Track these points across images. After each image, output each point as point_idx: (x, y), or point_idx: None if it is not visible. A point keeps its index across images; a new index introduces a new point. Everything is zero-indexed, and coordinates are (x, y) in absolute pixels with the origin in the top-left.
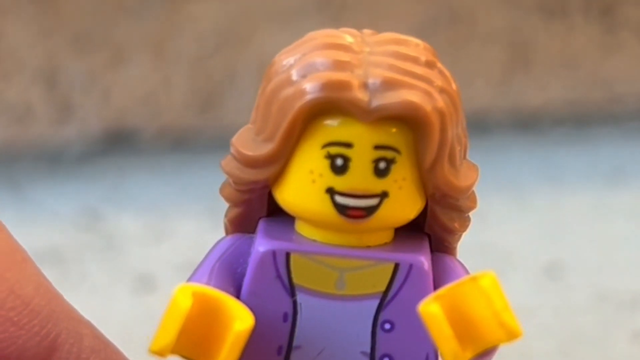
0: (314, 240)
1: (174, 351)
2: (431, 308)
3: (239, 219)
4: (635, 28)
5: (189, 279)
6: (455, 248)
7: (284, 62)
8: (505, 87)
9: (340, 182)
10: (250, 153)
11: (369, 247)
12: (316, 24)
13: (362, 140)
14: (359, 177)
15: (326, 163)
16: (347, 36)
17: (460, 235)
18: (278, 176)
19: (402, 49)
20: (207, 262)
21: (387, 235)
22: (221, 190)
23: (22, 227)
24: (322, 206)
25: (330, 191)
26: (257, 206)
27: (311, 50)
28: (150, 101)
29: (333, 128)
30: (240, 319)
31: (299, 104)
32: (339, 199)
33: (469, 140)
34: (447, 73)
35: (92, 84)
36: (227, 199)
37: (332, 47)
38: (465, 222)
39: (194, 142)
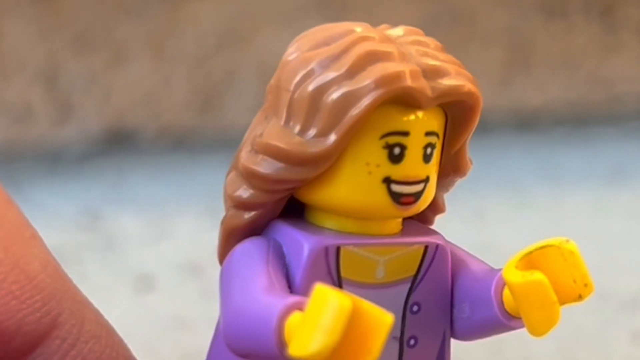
0: (346, 232)
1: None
2: (535, 276)
3: (251, 225)
4: (635, 28)
5: (247, 290)
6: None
7: (321, 59)
8: (505, 87)
9: (396, 171)
10: (304, 150)
11: (391, 234)
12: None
13: (417, 128)
14: (412, 164)
15: (384, 153)
16: (363, 27)
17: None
18: (324, 173)
19: (421, 39)
20: (253, 267)
21: (400, 224)
22: (232, 192)
23: None
24: (378, 196)
25: (387, 180)
26: (272, 209)
27: (353, 45)
28: (150, 101)
29: (392, 118)
30: (384, 314)
31: (369, 97)
32: (395, 188)
33: None
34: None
35: (92, 84)
36: (242, 202)
37: (369, 40)
38: (443, 206)
39: (194, 142)
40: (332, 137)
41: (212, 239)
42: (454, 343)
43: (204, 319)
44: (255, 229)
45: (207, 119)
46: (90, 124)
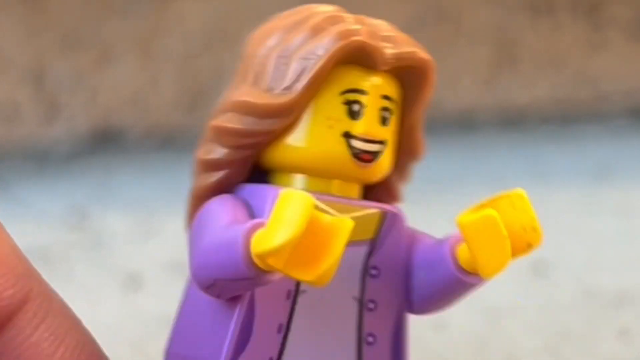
0: (312, 190)
1: (281, 258)
2: (485, 211)
3: (218, 185)
4: (621, 26)
5: (214, 229)
6: None
7: (284, 29)
8: (491, 85)
9: (355, 127)
10: (270, 102)
11: (350, 197)
12: None
13: (374, 89)
14: (371, 123)
15: (344, 109)
16: (327, 6)
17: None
18: (286, 128)
19: (384, 22)
20: (222, 212)
21: (358, 191)
22: (201, 153)
23: (9, 225)
24: (337, 149)
25: (347, 135)
26: (238, 170)
27: (312, 15)
28: (137, 100)
29: (351, 76)
30: (347, 220)
31: (329, 50)
32: (355, 142)
33: None
34: None
35: (80, 83)
36: (210, 162)
37: (330, 11)
38: (402, 193)
39: (182, 140)
40: (296, 89)
41: None
42: (439, 341)
43: None
44: (222, 191)
45: (194, 117)
46: (77, 123)
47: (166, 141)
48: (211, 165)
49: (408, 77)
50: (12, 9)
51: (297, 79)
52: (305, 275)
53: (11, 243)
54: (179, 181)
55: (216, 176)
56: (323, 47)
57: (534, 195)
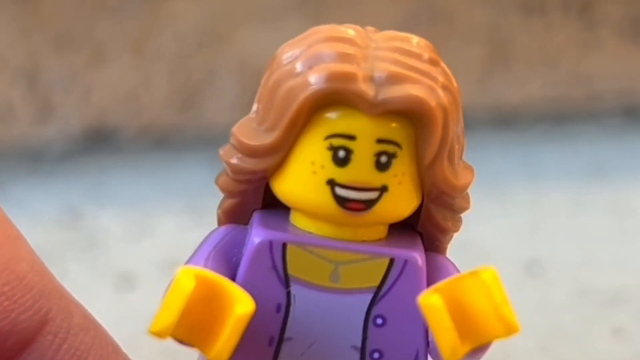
0: (310, 233)
1: (173, 334)
2: (432, 299)
3: (234, 210)
4: (614, 25)
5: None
6: (446, 248)
7: (288, 54)
8: (484, 84)
9: (341, 174)
10: (251, 142)
11: (364, 241)
12: (296, 22)
13: (365, 133)
14: (360, 169)
15: (328, 155)
16: (350, 30)
17: (452, 235)
18: (278, 167)
19: (406, 45)
20: (202, 249)
21: (382, 231)
22: (217, 180)
23: None
24: (322, 198)
25: (331, 183)
26: (252, 197)
27: (316, 43)
28: (130, 100)
29: (336, 120)
30: (242, 303)
31: (304, 94)
32: (340, 191)
33: (465, 141)
34: (449, 71)
35: (73, 83)
36: (223, 189)
37: (337, 40)
38: (457, 222)
39: (175, 140)
40: (276, 132)
41: (193, 237)
42: None
43: None
44: (239, 215)
45: (187, 117)
46: (71, 122)
47: (159, 141)
48: (225, 192)
49: (412, 117)
50: (5, 8)
51: (279, 118)
52: (206, 351)
53: (29, 258)
54: (172, 181)
55: (231, 203)
56: (302, 88)
57: (527, 195)
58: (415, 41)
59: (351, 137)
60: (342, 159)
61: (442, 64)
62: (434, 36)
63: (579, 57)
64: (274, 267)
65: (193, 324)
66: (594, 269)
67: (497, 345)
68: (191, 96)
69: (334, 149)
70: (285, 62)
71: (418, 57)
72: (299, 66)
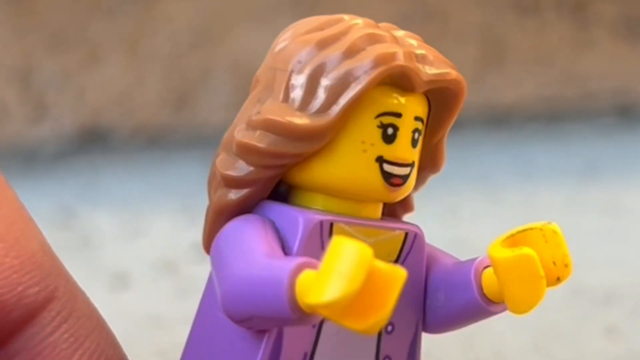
0: (336, 212)
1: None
2: (524, 250)
3: (240, 203)
4: (608, 24)
5: (252, 255)
6: None
7: (320, 41)
8: (478, 83)
9: (388, 151)
10: (303, 124)
11: (375, 219)
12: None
13: (408, 111)
14: (403, 146)
15: (378, 132)
16: (354, 17)
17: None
18: (318, 150)
19: (406, 32)
20: (256, 241)
21: (379, 210)
22: (225, 169)
23: None
24: (370, 175)
25: (380, 160)
26: (262, 189)
27: (350, 29)
28: (124, 100)
29: (387, 99)
30: (400, 269)
31: (369, 74)
32: (387, 167)
33: None
34: None
35: (67, 83)
36: (234, 179)
37: (363, 25)
38: (413, 203)
39: (169, 140)
40: (332, 113)
41: (187, 236)
42: (427, 338)
43: (179, 317)
44: (244, 209)
45: (181, 117)
46: (64, 122)
47: (153, 140)
48: (233, 182)
49: (439, 96)
50: None
51: (333, 101)
52: (357, 325)
53: (40, 239)
54: (166, 180)
55: (239, 194)
56: (362, 70)
57: (520, 194)
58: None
59: (398, 115)
60: (390, 136)
61: None
62: (428, 35)
63: (573, 57)
64: (323, 247)
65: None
66: (587, 268)
67: (490, 343)
68: (185, 96)
69: (384, 127)
70: (320, 48)
71: (421, 41)
72: (345, 51)
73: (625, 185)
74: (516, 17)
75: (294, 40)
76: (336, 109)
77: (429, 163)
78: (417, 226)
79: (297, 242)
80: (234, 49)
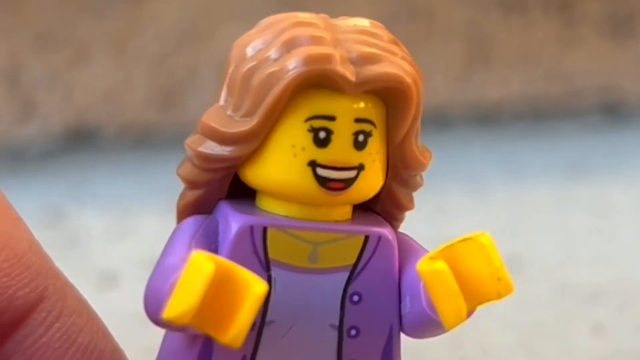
0: (285, 216)
1: (191, 320)
2: (437, 265)
3: (198, 202)
4: (594, 23)
5: (162, 262)
6: (400, 226)
7: (257, 42)
8: (464, 82)
9: (322, 155)
10: (229, 130)
11: (336, 221)
12: None
13: (344, 113)
14: (340, 149)
15: (309, 136)
16: (311, 16)
17: (405, 215)
18: (253, 153)
19: (366, 27)
20: (178, 242)
21: (349, 211)
22: (180, 172)
23: None
24: (303, 179)
25: (312, 164)
26: (217, 188)
27: (287, 28)
28: (112, 99)
29: (316, 102)
30: (257, 283)
31: (286, 78)
32: (321, 172)
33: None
34: (407, 50)
35: (54, 82)
36: (187, 180)
37: (306, 25)
38: (413, 200)
39: (156, 138)
40: (256, 117)
41: None
42: (413, 345)
43: None
44: (202, 207)
45: (168, 115)
46: (52, 122)
47: (141, 139)
48: (189, 183)
49: (390, 95)
50: None
51: (258, 105)
52: (219, 336)
53: (29, 238)
54: (153, 179)
55: (195, 194)
56: (284, 73)
57: (507, 192)
58: (369, 23)
59: (331, 118)
60: (322, 140)
61: (400, 43)
62: (414, 34)
63: (559, 55)
64: (255, 251)
65: (206, 309)
66: (574, 266)
67: (476, 341)
68: (172, 95)
69: (315, 131)
70: (256, 49)
71: (381, 37)
72: (274, 52)
73: (611, 183)
74: (502, 16)
75: (239, 41)
76: (259, 114)
77: (400, 163)
78: (387, 229)
79: (226, 247)
80: (220, 48)
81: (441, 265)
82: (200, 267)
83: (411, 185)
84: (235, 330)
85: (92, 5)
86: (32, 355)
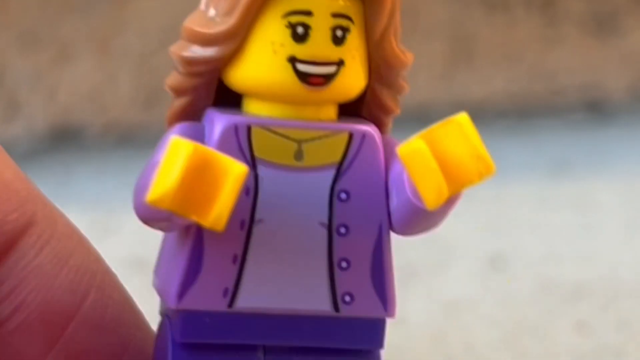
0: (270, 116)
1: (171, 204)
2: (414, 145)
3: (185, 110)
4: (576, 20)
5: (149, 160)
6: (388, 132)
7: None
8: (447, 80)
9: (301, 50)
10: (209, 31)
11: (321, 120)
12: None
13: (321, 8)
14: (319, 44)
15: (287, 32)
16: None
17: (393, 118)
18: (234, 53)
19: None
20: (165, 143)
21: (334, 112)
22: (168, 80)
23: None
24: (284, 76)
25: (292, 60)
26: (204, 94)
27: None
28: (95, 98)
29: None
30: (236, 165)
31: None
32: (301, 67)
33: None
34: None
35: (38, 81)
36: (174, 88)
37: None
38: (398, 103)
39: (140, 137)
40: (234, 16)
41: (158, 234)
42: (396, 331)
43: (149, 314)
44: (190, 115)
45: (152, 114)
46: (36, 121)
47: (124, 138)
48: (175, 91)
49: None
50: None
51: (236, 2)
52: (201, 219)
53: (13, 167)
54: (137, 178)
55: (181, 101)
56: None
57: (491, 189)
58: None
59: (308, 13)
60: (301, 35)
61: None
62: None
63: (542, 53)
64: (241, 149)
65: (187, 195)
66: (558, 264)
67: (460, 338)
68: (156, 93)
69: (293, 26)
70: None
71: None
72: None
73: (595, 181)
74: (485, 14)
75: None
76: (237, 12)
77: (381, 61)
78: (371, 127)
79: (212, 147)
80: None
81: (419, 143)
82: (179, 148)
83: (395, 86)
84: (217, 210)
85: (76, 4)
86: (25, 278)
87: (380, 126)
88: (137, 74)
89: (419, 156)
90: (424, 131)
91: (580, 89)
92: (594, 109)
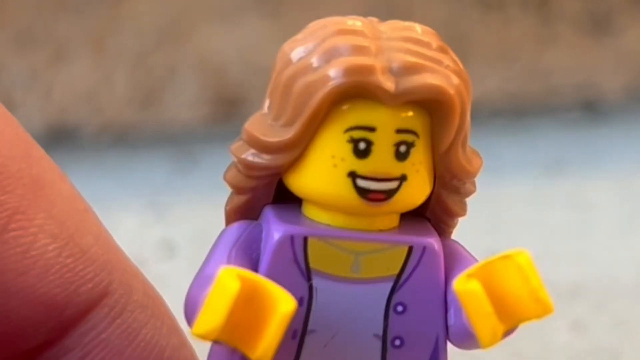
0: (327, 224)
1: (215, 338)
2: (470, 285)
3: (244, 207)
4: (571, 20)
5: (202, 270)
6: (452, 233)
7: (300, 49)
8: None
9: (362, 166)
10: (269, 139)
11: (380, 230)
12: (255, 21)
13: (385, 124)
14: (381, 160)
15: (349, 147)
16: (357, 22)
17: (458, 220)
18: (295, 162)
19: (414, 34)
20: (220, 248)
21: (395, 219)
22: (225, 176)
23: None
24: (343, 190)
25: (352, 175)
26: (263, 193)
27: (329, 36)
28: (91, 98)
29: (356, 112)
30: (285, 301)
31: (325, 89)
32: (361, 183)
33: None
34: (457, 57)
35: (34, 81)
36: (233, 185)
37: (349, 33)
38: (465, 206)
39: (135, 137)
40: (295, 127)
41: (155, 233)
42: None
43: None
44: (248, 212)
45: (148, 114)
46: (32, 121)
47: (120, 138)
48: (234, 188)
49: (433, 106)
50: None
51: (298, 114)
52: (249, 352)
53: (95, 230)
54: (133, 178)
55: (241, 199)
56: (323, 82)
57: (486, 188)
58: (420, 29)
59: (371, 129)
60: (362, 150)
61: (450, 50)
62: None
63: (537, 52)
64: (296, 260)
65: (235, 325)
66: (553, 263)
67: None
68: (152, 93)
69: (355, 142)
70: (298, 57)
71: (428, 45)
72: (315, 61)
73: (590, 180)
74: (480, 13)
75: (285, 45)
76: (298, 123)
77: (446, 172)
78: (433, 238)
79: (266, 256)
80: (200, 47)
81: (475, 285)
82: (226, 285)
83: (462, 192)
84: (264, 346)
85: (71, 4)
86: (91, 351)
87: (444, 226)
88: (132, 74)
89: (474, 298)
90: (483, 264)
91: (575, 88)
92: (589, 108)
